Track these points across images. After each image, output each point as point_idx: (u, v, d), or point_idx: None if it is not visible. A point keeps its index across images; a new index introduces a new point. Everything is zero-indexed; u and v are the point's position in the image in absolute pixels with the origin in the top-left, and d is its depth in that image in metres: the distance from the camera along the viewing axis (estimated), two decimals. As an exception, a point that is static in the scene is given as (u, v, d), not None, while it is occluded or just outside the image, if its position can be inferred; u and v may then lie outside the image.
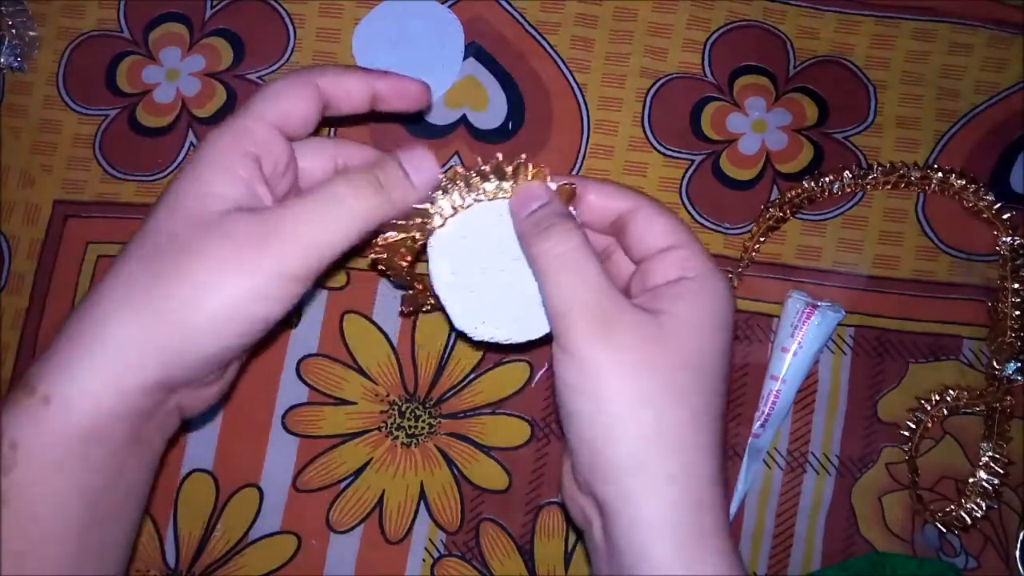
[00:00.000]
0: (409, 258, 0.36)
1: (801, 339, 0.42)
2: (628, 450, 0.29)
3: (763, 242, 0.44)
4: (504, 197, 0.35)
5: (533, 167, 0.34)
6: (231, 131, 0.32)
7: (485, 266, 0.35)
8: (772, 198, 0.45)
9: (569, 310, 0.30)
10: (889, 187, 0.44)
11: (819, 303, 0.43)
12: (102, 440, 0.29)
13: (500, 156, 0.34)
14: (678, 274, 0.32)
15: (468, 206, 0.35)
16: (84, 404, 0.29)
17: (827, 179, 0.44)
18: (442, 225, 0.35)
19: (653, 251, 0.33)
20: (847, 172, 0.44)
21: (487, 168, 0.34)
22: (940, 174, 0.44)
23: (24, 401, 0.29)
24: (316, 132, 0.36)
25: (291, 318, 0.44)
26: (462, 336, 0.36)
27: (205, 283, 0.29)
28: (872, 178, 0.44)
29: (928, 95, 0.46)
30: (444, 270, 0.35)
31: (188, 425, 0.43)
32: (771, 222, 0.44)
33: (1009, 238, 0.44)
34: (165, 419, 0.32)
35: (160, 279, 0.29)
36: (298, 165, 0.35)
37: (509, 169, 0.34)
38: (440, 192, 0.34)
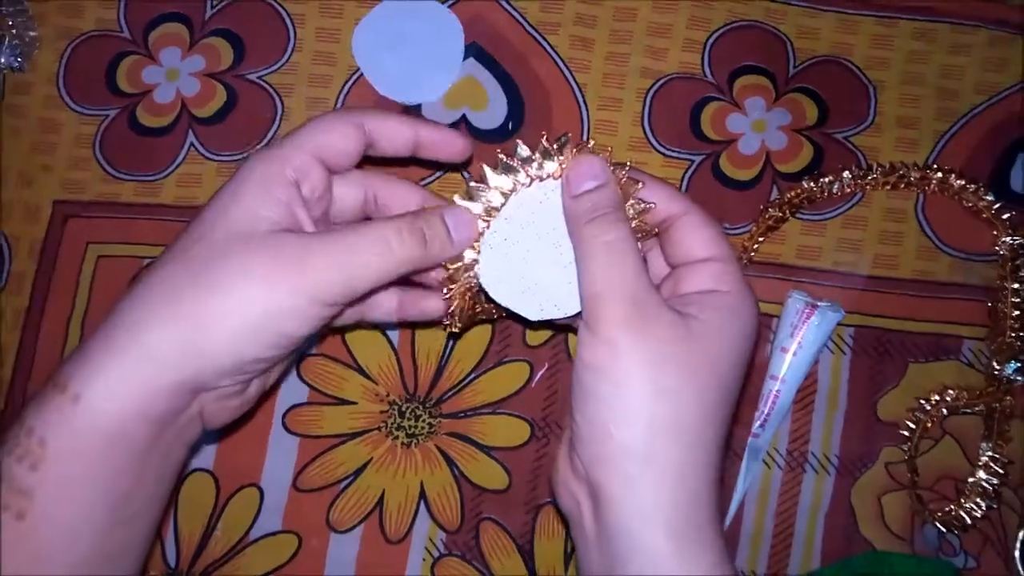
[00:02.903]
0: (470, 298, 0.37)
1: (801, 339, 0.42)
2: (641, 438, 0.30)
3: (762, 242, 0.44)
4: (541, 178, 0.35)
5: (587, 145, 0.34)
6: (273, 156, 0.33)
7: (532, 253, 0.35)
8: (772, 198, 0.45)
9: (607, 293, 0.31)
10: (889, 188, 0.44)
11: (819, 303, 0.43)
12: (127, 442, 0.30)
13: (544, 136, 0.34)
14: (712, 286, 0.33)
15: (509, 196, 0.35)
16: (112, 404, 0.30)
17: (827, 180, 0.44)
18: (486, 227, 0.35)
19: (692, 259, 0.34)
20: (847, 173, 0.44)
21: (533, 154, 0.34)
22: (939, 174, 0.44)
23: (55, 399, 0.30)
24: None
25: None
26: (524, 322, 0.37)
27: (241, 296, 0.30)
28: (872, 179, 0.44)
29: (928, 95, 0.46)
30: (495, 277, 0.36)
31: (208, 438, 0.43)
32: (770, 222, 0.44)
33: (1009, 238, 0.44)
34: (187, 425, 0.33)
35: (201, 286, 0.30)
36: (335, 198, 0.36)
37: (554, 146, 0.34)
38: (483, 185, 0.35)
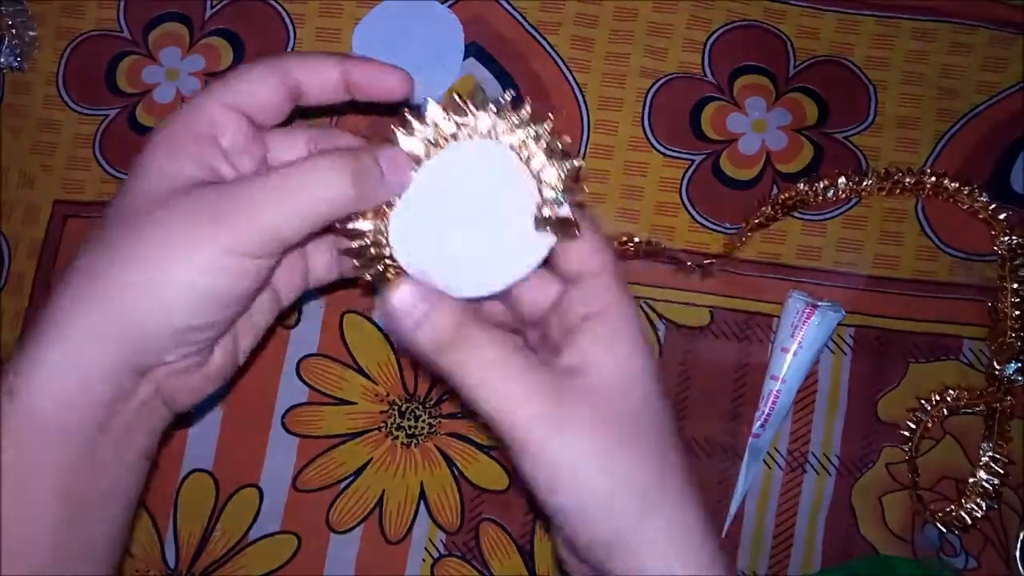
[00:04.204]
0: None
1: (801, 339, 0.42)
2: (619, 523, 0.29)
3: (749, 237, 0.44)
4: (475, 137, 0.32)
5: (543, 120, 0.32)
6: (183, 111, 0.31)
7: (451, 223, 0.32)
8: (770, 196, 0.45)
9: (512, 408, 0.29)
10: (884, 193, 0.44)
11: (819, 303, 0.43)
12: (69, 434, 0.29)
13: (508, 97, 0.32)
14: (587, 308, 0.31)
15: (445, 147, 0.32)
16: (45, 397, 0.28)
17: (822, 184, 0.44)
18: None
19: (569, 277, 0.32)
20: (843, 178, 0.44)
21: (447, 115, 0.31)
22: (934, 178, 0.44)
23: None
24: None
25: (293, 311, 0.44)
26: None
27: (160, 260, 0.28)
28: (867, 184, 0.44)
29: (928, 95, 0.46)
30: (409, 251, 0.32)
31: (188, 419, 0.43)
32: (762, 219, 0.44)
33: (1007, 238, 0.43)
34: (144, 411, 0.31)
35: (116, 260, 0.29)
36: (271, 155, 0.34)
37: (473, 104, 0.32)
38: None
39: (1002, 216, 0.44)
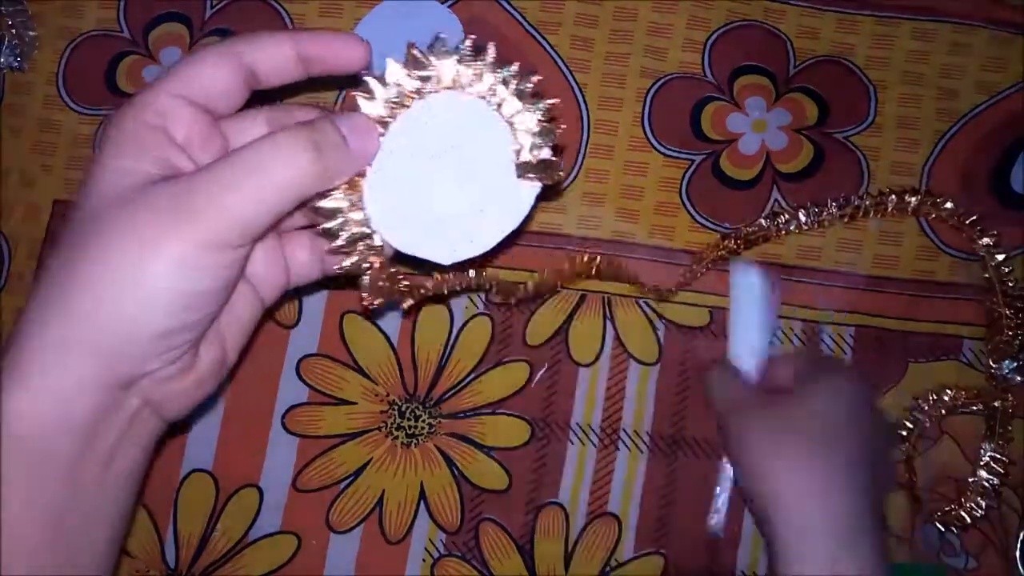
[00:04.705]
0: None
1: (732, 305, 0.43)
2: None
3: (709, 269, 0.44)
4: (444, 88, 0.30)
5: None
6: (130, 105, 0.29)
7: (429, 182, 0.31)
8: (730, 231, 0.45)
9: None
10: (846, 220, 0.44)
11: (749, 264, 0.43)
12: (49, 453, 0.27)
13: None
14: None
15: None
16: (24, 416, 0.27)
17: (783, 218, 0.44)
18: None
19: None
20: (802, 211, 0.44)
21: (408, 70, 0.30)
22: (894, 196, 0.44)
23: None
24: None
25: (293, 311, 0.44)
26: (439, 268, 0.33)
27: (124, 263, 0.27)
28: (828, 214, 0.44)
29: (928, 95, 0.46)
30: (390, 221, 0.31)
31: (186, 423, 0.43)
32: (723, 252, 0.44)
33: (983, 240, 0.43)
34: (133, 423, 0.29)
35: (79, 268, 0.27)
36: (232, 144, 0.32)
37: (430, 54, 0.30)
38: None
39: (968, 221, 0.43)
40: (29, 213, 0.45)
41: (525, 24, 0.46)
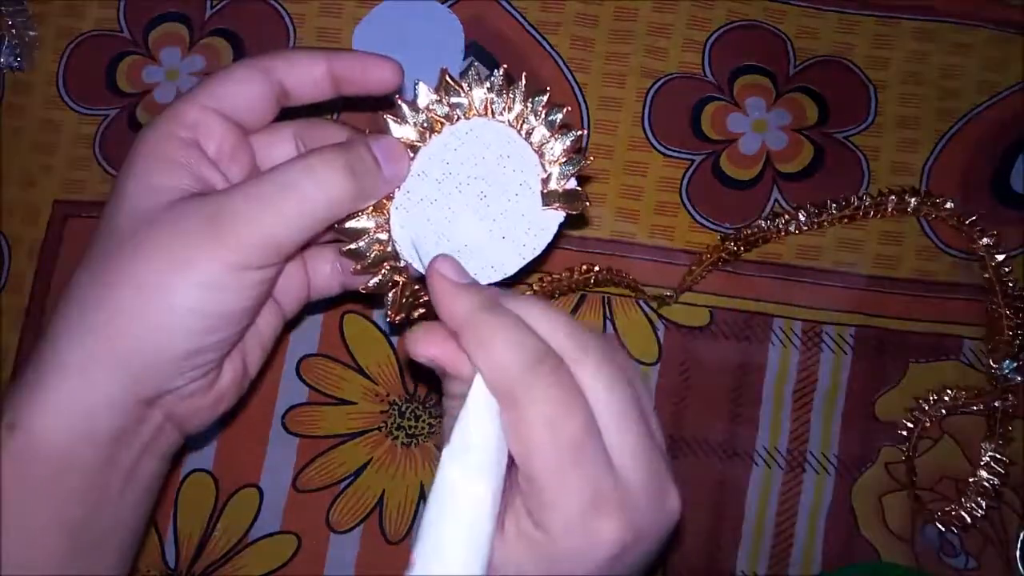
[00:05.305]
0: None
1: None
2: None
3: (710, 272, 0.44)
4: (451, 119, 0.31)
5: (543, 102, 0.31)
6: (162, 118, 0.29)
7: (454, 210, 0.31)
8: (733, 231, 0.45)
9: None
10: (846, 221, 0.44)
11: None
12: (74, 466, 0.27)
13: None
14: None
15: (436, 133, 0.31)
16: (49, 430, 0.27)
17: (783, 219, 0.44)
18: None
19: None
20: (802, 211, 0.44)
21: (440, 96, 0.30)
22: (894, 197, 0.44)
23: None
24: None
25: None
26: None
27: (156, 284, 0.27)
28: (828, 214, 0.44)
29: (928, 95, 0.46)
30: (414, 245, 0.31)
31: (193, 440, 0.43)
32: (723, 255, 0.43)
33: (983, 240, 0.43)
34: (155, 437, 0.30)
35: (110, 287, 0.27)
36: (260, 159, 0.33)
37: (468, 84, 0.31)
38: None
39: (967, 221, 0.44)
40: (29, 213, 0.45)
41: (525, 24, 0.46)
